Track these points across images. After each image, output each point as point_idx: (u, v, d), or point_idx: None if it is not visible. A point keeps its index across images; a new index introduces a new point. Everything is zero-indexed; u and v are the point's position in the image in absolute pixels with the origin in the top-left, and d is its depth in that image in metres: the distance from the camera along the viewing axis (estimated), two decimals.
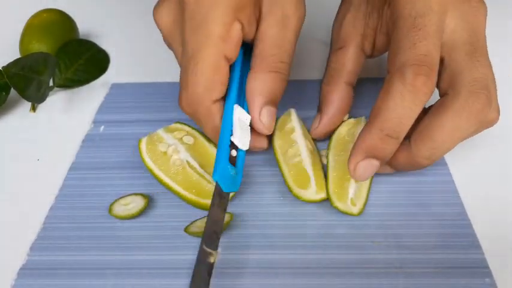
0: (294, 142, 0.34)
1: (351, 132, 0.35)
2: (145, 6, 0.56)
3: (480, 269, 0.29)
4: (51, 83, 0.44)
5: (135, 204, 0.32)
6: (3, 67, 0.40)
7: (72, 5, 0.52)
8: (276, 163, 0.34)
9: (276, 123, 0.35)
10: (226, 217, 0.30)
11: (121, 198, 0.33)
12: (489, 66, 0.30)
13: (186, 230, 0.31)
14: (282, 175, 0.33)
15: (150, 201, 0.33)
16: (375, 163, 0.30)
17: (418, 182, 0.34)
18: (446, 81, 0.30)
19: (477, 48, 0.30)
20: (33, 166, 0.37)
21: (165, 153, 0.34)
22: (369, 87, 0.43)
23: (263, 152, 0.36)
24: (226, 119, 0.31)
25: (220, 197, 0.29)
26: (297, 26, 0.32)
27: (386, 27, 0.33)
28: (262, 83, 0.32)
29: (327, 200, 0.32)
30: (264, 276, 0.29)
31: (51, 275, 0.29)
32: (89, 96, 0.44)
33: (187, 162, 0.33)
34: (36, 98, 0.41)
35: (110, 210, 0.32)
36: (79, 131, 0.40)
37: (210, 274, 0.26)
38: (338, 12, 0.37)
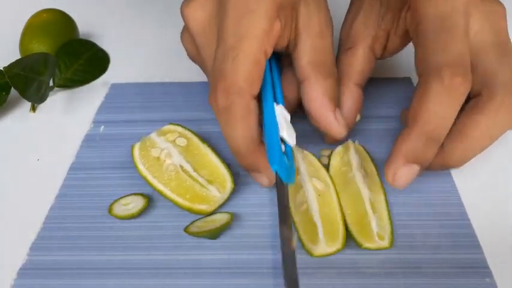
0: (301, 185, 0.32)
1: (344, 160, 0.34)
2: (145, 7, 0.56)
3: (480, 269, 0.29)
4: (51, 83, 0.44)
5: (135, 204, 0.32)
6: (4, 67, 0.40)
7: (72, 5, 0.52)
8: None
9: None
10: (227, 217, 0.30)
11: (121, 198, 0.33)
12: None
13: (186, 230, 0.31)
14: (294, 225, 0.30)
15: (150, 201, 0.33)
16: (416, 168, 0.29)
17: (418, 182, 0.34)
18: (478, 82, 0.30)
19: (505, 50, 0.31)
20: (33, 166, 0.37)
21: (158, 158, 0.33)
22: (369, 87, 0.43)
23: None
24: (270, 114, 0.30)
25: (282, 188, 0.28)
26: (331, 36, 0.33)
27: (404, 30, 0.33)
28: (325, 89, 0.31)
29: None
30: (263, 276, 0.29)
31: (51, 275, 0.29)
32: (89, 96, 0.44)
33: (181, 166, 0.33)
34: (37, 98, 0.41)
35: (109, 210, 0.32)
36: (79, 131, 0.40)
37: (295, 259, 0.25)
38: (348, 13, 0.37)
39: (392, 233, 0.30)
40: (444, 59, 0.28)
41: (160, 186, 0.32)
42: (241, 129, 0.29)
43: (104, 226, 0.32)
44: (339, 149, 0.35)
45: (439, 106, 0.28)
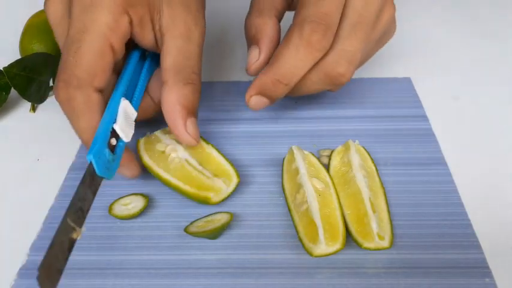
0: (300, 186, 0.31)
1: (344, 161, 0.34)
2: None
3: (480, 269, 0.29)
4: (51, 83, 0.44)
5: (135, 204, 0.32)
6: (4, 67, 0.40)
7: None
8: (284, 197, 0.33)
9: (282, 165, 0.34)
10: (227, 217, 0.30)
11: (121, 198, 0.33)
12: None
13: (186, 230, 0.31)
14: (294, 226, 0.31)
15: (150, 201, 0.33)
16: (264, 100, 0.34)
17: (418, 182, 0.34)
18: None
19: None
20: (33, 166, 0.37)
21: (163, 152, 0.34)
22: (369, 87, 0.43)
23: (265, 154, 0.37)
24: (112, 106, 0.30)
25: (92, 178, 0.27)
26: (199, 39, 0.33)
27: None
28: (181, 96, 0.31)
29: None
30: (263, 276, 0.29)
31: None
32: None
33: (186, 160, 0.33)
34: (37, 99, 0.41)
35: (110, 210, 0.32)
36: None
37: (70, 249, 0.24)
38: None
39: (392, 233, 0.30)
40: (309, 14, 0.31)
41: (166, 175, 0.32)
42: (83, 122, 0.29)
43: (103, 226, 0.32)
44: (339, 148, 0.35)
45: (293, 56, 0.31)
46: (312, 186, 0.31)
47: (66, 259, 0.24)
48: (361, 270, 0.29)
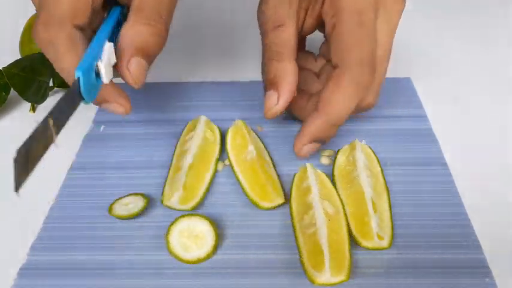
0: (311, 206, 0.30)
1: (349, 159, 0.34)
2: None
3: (480, 269, 0.29)
4: (51, 83, 0.44)
5: (135, 204, 0.32)
6: (3, 68, 0.40)
7: None
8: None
9: (292, 181, 0.33)
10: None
11: (121, 198, 0.33)
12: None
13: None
14: (297, 247, 0.29)
15: (149, 201, 0.33)
16: (317, 145, 0.34)
17: (418, 182, 0.34)
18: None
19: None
20: None
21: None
22: None
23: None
24: (96, 43, 0.28)
25: (73, 97, 0.26)
26: None
27: (318, 13, 0.34)
28: (135, 34, 0.30)
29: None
30: (264, 276, 0.29)
31: (51, 275, 0.29)
32: None
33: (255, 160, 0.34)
34: (36, 99, 0.41)
35: (110, 210, 0.32)
36: (79, 131, 0.40)
37: (43, 153, 0.25)
38: None
39: (392, 233, 0.30)
40: (357, 57, 0.31)
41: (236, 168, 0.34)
42: (67, 62, 0.29)
43: (104, 226, 0.32)
44: (345, 148, 0.35)
45: (348, 99, 0.32)
46: (323, 211, 0.30)
47: (40, 157, 0.24)
48: (361, 270, 0.29)
